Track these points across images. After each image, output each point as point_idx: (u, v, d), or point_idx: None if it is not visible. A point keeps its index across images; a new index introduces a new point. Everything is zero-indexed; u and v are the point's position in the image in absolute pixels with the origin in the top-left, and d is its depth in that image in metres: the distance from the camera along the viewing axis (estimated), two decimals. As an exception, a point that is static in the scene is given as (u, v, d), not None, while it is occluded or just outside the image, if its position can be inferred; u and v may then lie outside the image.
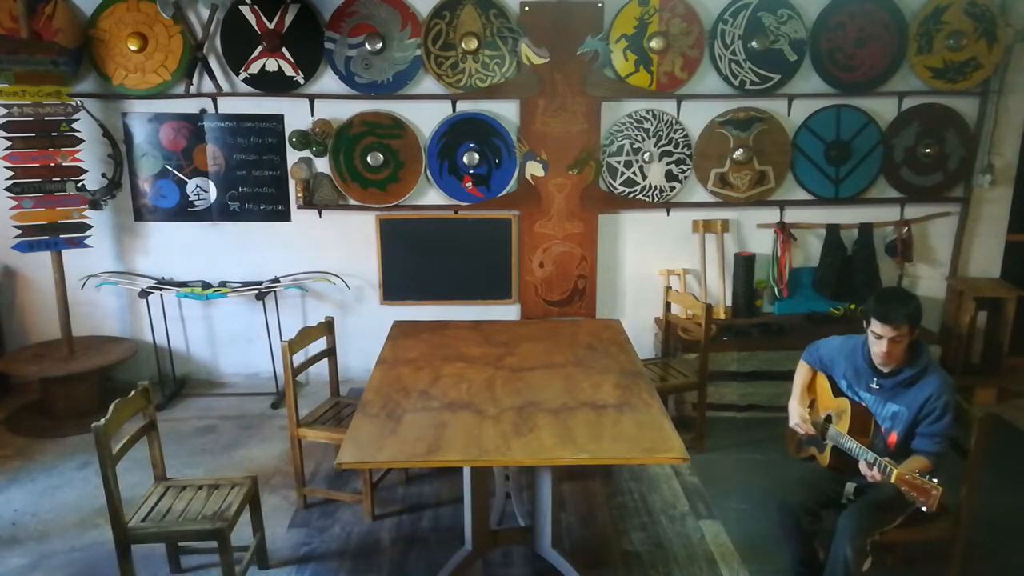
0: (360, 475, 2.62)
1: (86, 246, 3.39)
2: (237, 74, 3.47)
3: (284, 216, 3.66)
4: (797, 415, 2.09)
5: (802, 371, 2.19)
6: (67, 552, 2.40)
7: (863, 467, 1.82)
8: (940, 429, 1.85)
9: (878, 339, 1.87)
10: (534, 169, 3.59)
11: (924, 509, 1.71)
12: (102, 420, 1.88)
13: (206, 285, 3.65)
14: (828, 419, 2.05)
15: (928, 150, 3.61)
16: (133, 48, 3.37)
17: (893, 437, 1.92)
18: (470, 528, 2.19)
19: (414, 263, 3.70)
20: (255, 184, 3.61)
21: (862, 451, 1.86)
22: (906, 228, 3.69)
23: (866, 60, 3.50)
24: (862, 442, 1.90)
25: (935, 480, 1.70)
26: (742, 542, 2.42)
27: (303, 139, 3.52)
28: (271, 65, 3.45)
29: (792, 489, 2.07)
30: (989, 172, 3.61)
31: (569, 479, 2.77)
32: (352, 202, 3.63)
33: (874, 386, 1.97)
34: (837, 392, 2.07)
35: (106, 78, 3.43)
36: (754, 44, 3.45)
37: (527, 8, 3.41)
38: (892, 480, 1.73)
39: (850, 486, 2.00)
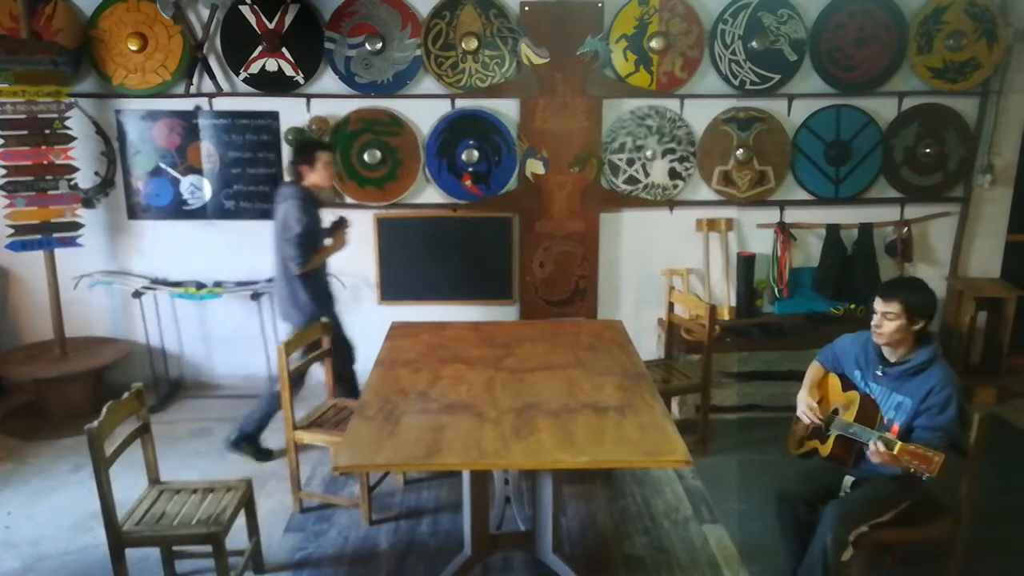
0: (357, 479, 2.59)
1: (79, 245, 3.36)
2: (237, 74, 3.43)
3: (281, 215, 3.63)
4: (805, 403, 2.09)
5: (813, 370, 2.20)
6: (61, 556, 2.36)
7: (871, 446, 1.82)
8: (941, 423, 1.85)
9: (874, 313, 1.94)
10: (534, 167, 3.57)
11: (925, 477, 1.72)
12: (95, 422, 1.85)
13: (200, 285, 3.61)
14: (835, 412, 2.06)
15: (928, 150, 3.61)
16: (133, 48, 3.34)
17: (895, 430, 1.92)
18: (469, 532, 2.17)
19: (412, 262, 3.67)
20: (250, 182, 3.58)
21: (867, 433, 1.86)
22: (906, 228, 3.69)
23: (866, 60, 3.49)
24: None
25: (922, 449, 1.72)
26: (745, 546, 2.40)
27: (299, 136, 3.49)
28: (271, 65, 3.42)
29: (791, 480, 2.09)
30: (989, 172, 3.61)
31: (570, 482, 2.75)
32: (349, 200, 3.60)
33: (879, 373, 1.99)
34: (847, 387, 2.08)
35: (106, 78, 3.40)
36: (754, 44, 3.44)
37: (527, 8, 3.39)
38: (895, 452, 1.74)
39: (848, 479, 2.01)
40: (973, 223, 3.76)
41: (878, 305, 1.93)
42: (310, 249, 2.67)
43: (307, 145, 2.80)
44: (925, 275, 3.81)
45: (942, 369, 1.91)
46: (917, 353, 1.93)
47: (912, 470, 1.74)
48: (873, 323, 1.95)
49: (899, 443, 1.74)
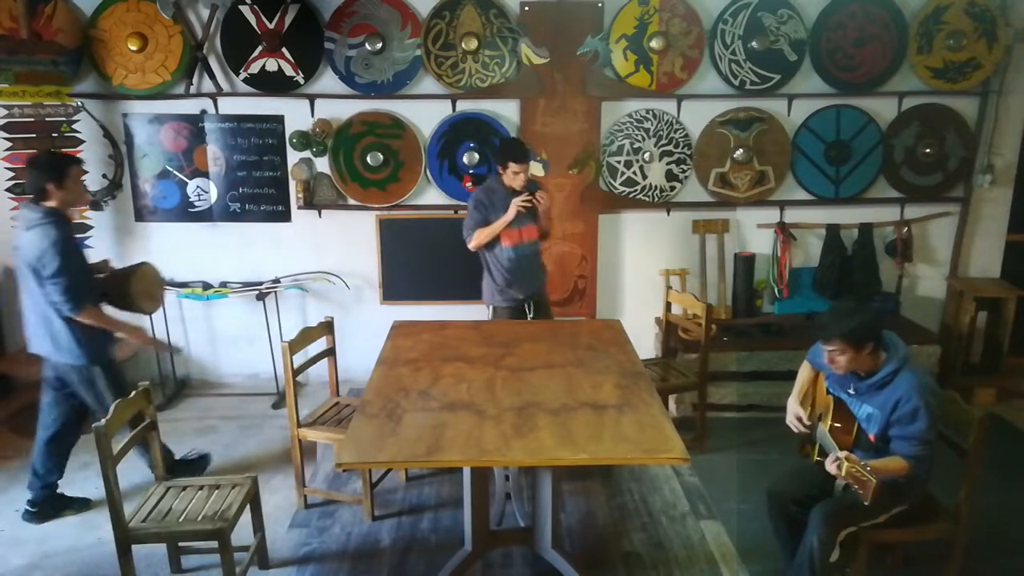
0: (360, 476, 2.62)
1: (87, 247, 3.39)
2: (237, 74, 3.47)
3: (284, 217, 3.66)
4: (792, 412, 2.10)
5: (804, 370, 2.20)
6: (68, 552, 2.40)
7: (827, 463, 1.85)
8: (914, 432, 1.84)
9: (825, 351, 1.93)
10: (534, 169, 3.59)
11: (866, 503, 1.72)
12: (103, 420, 1.88)
13: (207, 286, 3.65)
14: (820, 417, 2.07)
15: (928, 150, 3.61)
16: (133, 48, 3.37)
17: (871, 438, 1.94)
18: (470, 528, 2.19)
19: (414, 263, 3.70)
20: (255, 185, 3.61)
21: (833, 449, 1.87)
22: (906, 228, 3.70)
23: (866, 60, 3.50)
24: (845, 440, 1.93)
25: (869, 469, 1.72)
26: (743, 542, 2.42)
27: (304, 140, 3.53)
28: (271, 65, 3.45)
29: (781, 479, 2.10)
30: (989, 172, 3.61)
31: (569, 479, 2.77)
32: (352, 202, 3.63)
33: (851, 391, 1.99)
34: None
35: (106, 78, 3.43)
36: (754, 44, 3.45)
37: (527, 8, 3.41)
38: (843, 473, 1.75)
39: (840, 482, 2.01)
40: (973, 223, 3.76)
41: (823, 346, 1.92)
42: (474, 230, 2.87)
43: (510, 150, 2.91)
44: (925, 275, 3.82)
45: (910, 379, 1.87)
46: (884, 366, 1.91)
47: (853, 489, 1.75)
48: (826, 361, 1.93)
49: (846, 464, 1.75)
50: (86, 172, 3.38)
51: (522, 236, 2.88)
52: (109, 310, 2.51)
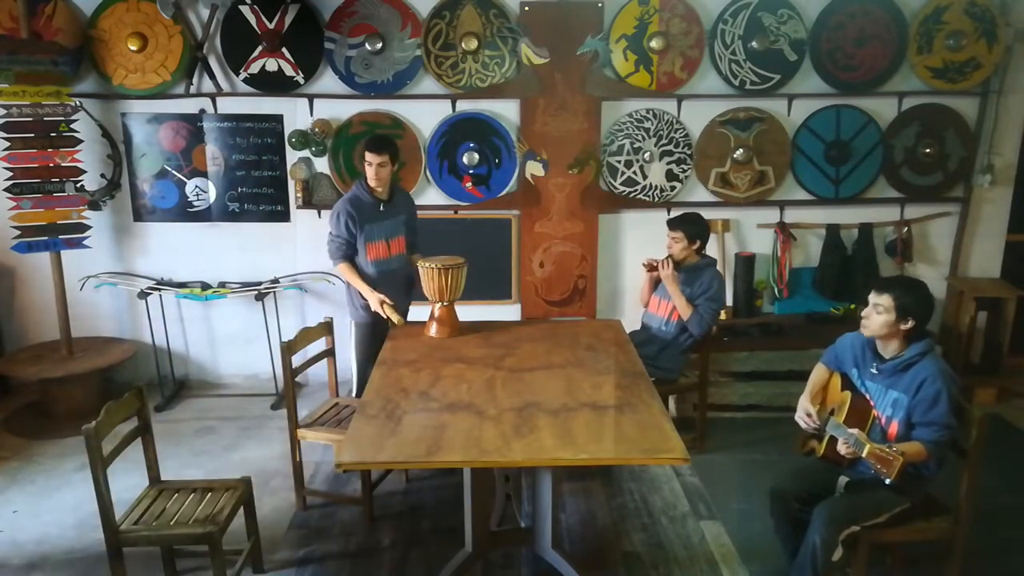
0: (360, 476, 2.61)
1: (85, 247, 3.39)
2: (237, 74, 3.46)
3: (283, 216, 3.66)
4: (802, 409, 2.11)
5: (817, 372, 2.21)
6: (65, 554, 2.39)
7: (839, 445, 1.87)
8: (936, 417, 1.85)
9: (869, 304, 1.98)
10: (534, 169, 3.59)
11: (888, 481, 1.73)
12: (93, 422, 1.86)
13: (205, 286, 3.64)
14: (832, 412, 2.07)
15: (928, 150, 3.61)
16: (133, 48, 3.37)
17: (894, 428, 1.93)
18: (470, 529, 2.19)
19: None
20: (254, 184, 3.60)
21: (850, 435, 1.87)
22: (906, 228, 3.69)
23: (866, 60, 3.50)
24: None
25: (896, 449, 1.73)
26: (743, 543, 2.41)
27: (302, 139, 3.52)
28: (271, 65, 3.45)
29: (784, 478, 2.11)
30: (989, 172, 3.61)
31: (569, 480, 2.77)
32: (351, 202, 3.63)
33: (874, 371, 2.00)
34: (845, 387, 2.09)
35: (106, 78, 3.43)
36: (754, 44, 3.45)
37: (527, 8, 3.41)
38: (864, 454, 1.76)
39: (842, 480, 2.03)
40: (973, 223, 3.76)
41: (871, 297, 1.96)
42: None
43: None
44: (925, 275, 3.81)
45: (934, 363, 1.90)
46: (910, 348, 1.94)
47: (874, 471, 1.76)
48: (862, 314, 1.98)
49: (868, 445, 1.76)
50: (84, 172, 3.38)
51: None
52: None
